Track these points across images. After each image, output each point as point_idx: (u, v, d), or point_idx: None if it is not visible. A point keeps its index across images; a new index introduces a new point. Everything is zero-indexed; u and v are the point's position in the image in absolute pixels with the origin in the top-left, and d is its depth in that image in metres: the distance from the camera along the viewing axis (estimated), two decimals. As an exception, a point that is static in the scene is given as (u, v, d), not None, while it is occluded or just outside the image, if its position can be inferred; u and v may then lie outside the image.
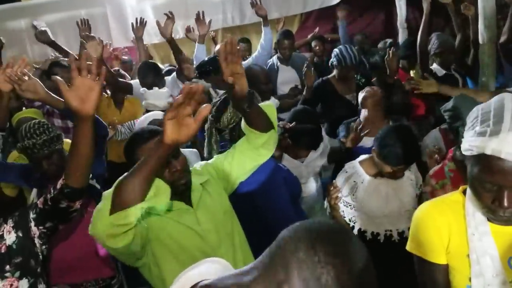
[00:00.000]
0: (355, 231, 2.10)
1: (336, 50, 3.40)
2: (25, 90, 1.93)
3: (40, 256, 1.63)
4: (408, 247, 1.29)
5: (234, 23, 5.22)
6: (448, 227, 1.21)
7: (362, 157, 2.18)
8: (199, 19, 3.78)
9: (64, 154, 2.12)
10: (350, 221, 2.11)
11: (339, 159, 2.51)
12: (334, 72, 3.45)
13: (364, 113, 2.73)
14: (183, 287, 0.78)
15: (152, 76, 3.37)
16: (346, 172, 2.15)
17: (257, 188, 1.84)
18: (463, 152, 1.11)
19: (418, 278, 1.28)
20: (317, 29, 5.37)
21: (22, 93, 1.95)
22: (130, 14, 4.80)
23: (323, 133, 2.77)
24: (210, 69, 3.26)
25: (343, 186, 2.10)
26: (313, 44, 5.24)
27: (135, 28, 3.88)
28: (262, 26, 3.98)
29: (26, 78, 1.93)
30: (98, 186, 2.24)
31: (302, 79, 3.57)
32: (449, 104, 2.62)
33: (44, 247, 1.63)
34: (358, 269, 0.67)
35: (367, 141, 2.62)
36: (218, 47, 4.35)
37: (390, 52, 3.20)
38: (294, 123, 2.26)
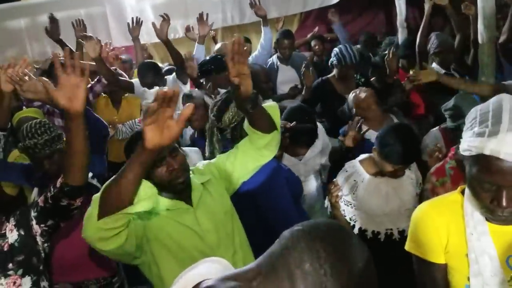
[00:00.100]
0: (356, 230, 2.10)
1: (336, 50, 3.40)
2: (26, 91, 1.94)
3: (42, 254, 1.64)
4: (407, 247, 1.30)
5: (234, 22, 5.23)
6: (447, 227, 1.21)
7: (362, 156, 2.18)
8: (201, 19, 3.78)
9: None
10: (350, 220, 2.11)
11: (339, 158, 2.51)
12: (334, 71, 3.46)
13: (363, 114, 2.74)
14: (185, 287, 0.78)
15: (152, 75, 3.38)
16: (346, 171, 2.16)
17: (259, 188, 1.84)
18: (462, 153, 1.12)
19: (417, 277, 1.29)
20: (316, 29, 5.37)
21: (23, 94, 1.95)
22: (129, 13, 4.80)
23: (324, 132, 2.79)
24: (211, 68, 3.27)
25: (343, 185, 2.10)
26: (312, 43, 5.24)
27: (131, 28, 3.88)
28: (262, 26, 3.98)
29: (27, 78, 1.94)
30: (99, 185, 2.25)
31: (302, 79, 3.58)
32: (449, 103, 2.63)
33: (46, 244, 1.65)
34: (362, 278, 0.68)
35: (373, 135, 2.64)
36: (218, 46, 4.36)
37: (390, 52, 3.21)
38: (294, 122, 2.27)
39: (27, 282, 1.59)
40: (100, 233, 1.26)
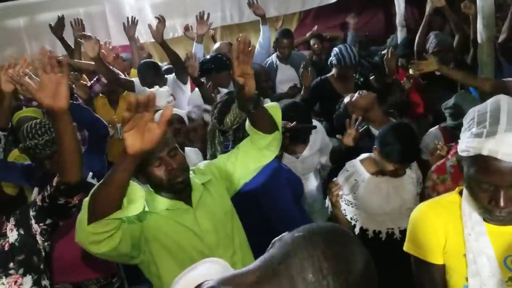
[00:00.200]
0: (357, 230, 2.10)
1: (335, 49, 3.40)
2: (27, 90, 1.93)
3: (43, 253, 1.65)
4: (405, 247, 1.30)
5: (233, 21, 5.23)
6: (445, 227, 1.22)
7: (363, 155, 2.19)
8: (200, 19, 3.77)
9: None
10: (351, 219, 2.12)
11: (339, 158, 2.52)
12: (333, 71, 3.46)
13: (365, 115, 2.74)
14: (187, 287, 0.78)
15: (151, 75, 3.38)
16: (347, 170, 2.16)
17: (260, 188, 1.85)
18: (460, 153, 1.13)
19: (415, 278, 1.30)
20: (315, 28, 5.37)
21: (24, 93, 1.95)
22: (128, 12, 4.80)
23: (323, 131, 2.79)
24: (211, 67, 3.28)
25: (344, 184, 2.11)
26: (311, 42, 5.24)
27: (127, 28, 3.87)
28: (261, 25, 3.98)
29: (27, 78, 1.94)
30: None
31: (301, 79, 3.59)
32: (450, 102, 2.64)
33: (46, 243, 1.65)
34: (362, 281, 0.69)
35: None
36: (217, 45, 4.36)
37: (389, 52, 3.22)
38: (294, 122, 2.27)
39: (28, 281, 1.60)
40: (91, 237, 1.26)
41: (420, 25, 3.63)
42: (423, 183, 2.19)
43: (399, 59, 3.87)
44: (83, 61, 4.04)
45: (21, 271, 1.60)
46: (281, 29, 4.43)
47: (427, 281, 1.27)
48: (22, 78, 1.90)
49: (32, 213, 1.61)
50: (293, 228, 0.75)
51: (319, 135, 2.67)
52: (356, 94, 2.72)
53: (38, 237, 1.62)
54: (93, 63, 3.46)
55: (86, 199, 1.26)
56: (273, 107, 1.60)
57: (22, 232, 1.61)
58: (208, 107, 2.62)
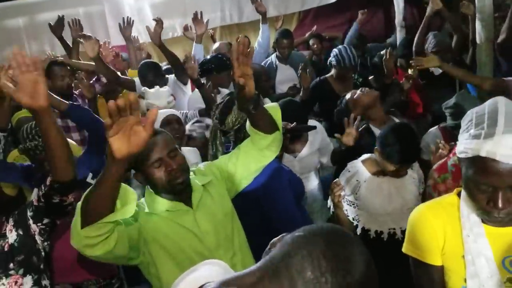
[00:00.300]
0: (359, 230, 2.11)
1: (335, 50, 3.41)
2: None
3: (43, 253, 1.65)
4: (404, 249, 1.31)
5: (232, 21, 5.23)
6: (443, 229, 1.23)
7: (364, 156, 2.19)
8: (196, 18, 3.78)
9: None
10: (353, 219, 2.12)
11: (339, 159, 2.52)
12: (332, 71, 3.47)
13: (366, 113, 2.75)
14: None
15: (151, 75, 3.38)
16: (349, 171, 2.16)
17: (261, 189, 1.85)
18: (458, 155, 1.14)
19: (414, 279, 1.31)
20: (315, 27, 5.38)
21: None
22: (128, 12, 4.80)
23: (324, 131, 2.79)
24: (212, 67, 3.28)
25: (345, 185, 2.11)
26: (311, 42, 5.25)
27: (123, 28, 3.86)
28: (261, 24, 3.98)
29: None
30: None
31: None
32: (450, 101, 2.65)
33: (46, 243, 1.65)
34: (363, 282, 0.69)
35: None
36: (216, 45, 4.36)
37: (387, 52, 3.23)
38: (295, 123, 2.27)
39: (28, 281, 1.60)
40: (85, 241, 1.26)
41: (419, 25, 3.64)
42: (424, 183, 2.19)
43: (398, 60, 3.87)
44: (82, 62, 4.04)
45: (21, 271, 1.60)
46: (281, 29, 4.43)
47: (426, 282, 1.27)
48: (3, 80, 1.90)
49: (29, 213, 1.61)
50: (294, 229, 0.76)
51: (318, 135, 2.67)
52: (358, 91, 2.71)
53: (37, 237, 1.63)
54: (92, 63, 3.46)
55: (79, 203, 1.26)
56: (273, 108, 1.60)
57: (21, 232, 1.62)
58: (210, 121, 2.60)
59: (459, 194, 1.24)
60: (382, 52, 3.50)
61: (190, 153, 2.48)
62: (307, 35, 5.37)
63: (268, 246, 0.78)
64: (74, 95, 3.50)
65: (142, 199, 1.59)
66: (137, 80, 3.57)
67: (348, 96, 2.75)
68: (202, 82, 3.21)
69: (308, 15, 5.94)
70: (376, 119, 2.70)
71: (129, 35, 3.89)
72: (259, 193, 1.85)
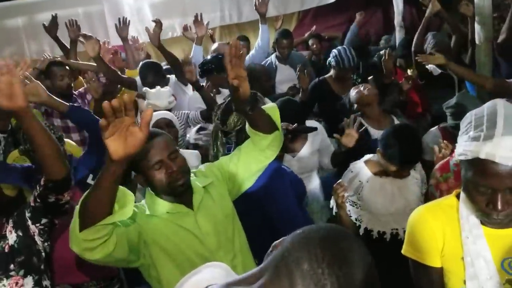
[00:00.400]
0: (361, 230, 2.11)
1: (334, 51, 3.41)
2: (28, 94, 1.93)
3: (43, 253, 1.65)
4: (404, 250, 1.31)
5: (232, 21, 5.25)
6: (442, 230, 1.23)
7: (367, 156, 2.19)
8: (197, 20, 3.77)
9: (66, 155, 2.13)
10: (356, 220, 2.12)
11: (339, 161, 2.52)
12: (331, 72, 3.47)
13: (366, 110, 2.76)
14: None
15: (152, 75, 3.38)
16: (351, 171, 2.17)
17: (262, 189, 1.84)
18: (457, 157, 1.14)
19: (414, 281, 1.31)
20: (314, 27, 5.38)
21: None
22: (127, 12, 4.81)
23: (324, 132, 2.79)
24: (212, 68, 3.28)
25: (348, 185, 2.11)
26: (310, 42, 5.26)
27: (119, 29, 3.85)
28: (260, 24, 3.98)
29: (27, 81, 1.94)
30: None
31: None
32: (451, 101, 2.66)
33: (46, 244, 1.65)
34: (361, 278, 0.69)
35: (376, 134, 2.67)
36: (215, 45, 4.36)
37: (386, 53, 3.23)
38: (296, 124, 2.27)
39: (29, 282, 1.60)
40: (84, 244, 1.26)
41: (418, 25, 3.64)
42: (427, 183, 2.19)
43: (398, 60, 3.88)
44: (81, 62, 4.04)
45: (21, 272, 1.60)
46: (281, 29, 4.43)
47: (426, 284, 1.28)
48: (23, 80, 1.90)
49: (27, 214, 1.61)
50: (296, 230, 0.76)
51: (318, 136, 2.67)
52: (360, 87, 2.73)
53: (37, 238, 1.62)
54: (91, 63, 3.47)
55: (77, 207, 1.26)
56: (270, 108, 1.61)
57: (20, 233, 1.61)
58: None
59: (458, 196, 1.25)
60: (381, 52, 3.51)
61: (191, 156, 2.47)
62: (306, 35, 5.38)
63: (270, 249, 0.78)
64: (74, 95, 3.50)
65: (143, 201, 1.59)
66: (138, 79, 3.57)
67: (354, 91, 2.76)
68: (202, 84, 3.21)
69: (307, 15, 5.94)
70: (371, 118, 2.70)
71: (126, 36, 3.88)
72: (260, 194, 1.85)
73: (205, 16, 3.88)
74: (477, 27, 3.20)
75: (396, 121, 2.78)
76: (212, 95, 3.20)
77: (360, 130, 2.40)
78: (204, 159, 2.52)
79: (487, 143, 1.05)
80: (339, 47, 3.46)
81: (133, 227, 1.43)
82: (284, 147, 2.29)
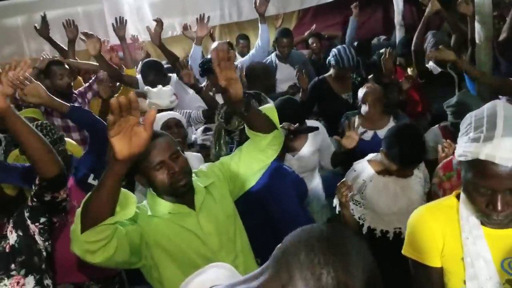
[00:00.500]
0: (365, 229, 2.12)
1: (334, 50, 3.41)
2: (28, 95, 1.94)
3: (44, 253, 1.65)
4: (404, 251, 1.32)
5: (232, 19, 5.24)
6: (442, 231, 1.24)
7: (371, 155, 2.20)
8: (201, 21, 3.76)
9: (67, 155, 2.14)
10: (359, 219, 2.13)
11: (340, 161, 2.52)
12: (331, 71, 3.47)
13: (364, 108, 2.78)
14: None
15: (153, 74, 3.38)
16: (355, 170, 2.17)
17: (263, 189, 1.84)
18: (457, 158, 1.15)
19: (413, 281, 1.32)
20: (314, 26, 5.38)
21: (26, 98, 1.95)
22: (127, 11, 4.80)
23: (325, 132, 2.79)
24: (212, 67, 3.26)
25: (351, 184, 2.12)
26: (310, 41, 5.26)
27: (116, 28, 3.84)
28: (259, 24, 3.98)
29: (27, 81, 1.94)
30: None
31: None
32: (452, 100, 2.66)
33: (47, 243, 1.65)
34: (358, 268, 0.69)
35: (368, 134, 2.72)
36: (215, 44, 4.35)
37: (387, 52, 3.24)
38: (297, 124, 2.27)
39: (30, 281, 1.60)
40: (85, 246, 1.26)
41: (418, 24, 3.64)
42: (429, 182, 2.20)
43: (398, 58, 3.88)
44: (81, 61, 4.04)
45: (22, 272, 1.60)
46: (281, 28, 4.43)
47: (426, 284, 1.28)
48: (23, 81, 1.90)
49: (26, 214, 1.61)
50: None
51: (319, 136, 2.67)
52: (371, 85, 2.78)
53: (37, 237, 1.63)
54: (90, 62, 3.46)
55: (79, 209, 1.26)
56: (267, 109, 1.61)
57: (20, 233, 1.62)
58: None
59: (458, 197, 1.25)
60: (381, 51, 3.51)
61: (193, 159, 2.46)
62: (306, 34, 5.38)
63: (274, 252, 0.79)
64: (74, 94, 3.50)
65: (144, 202, 1.59)
66: (139, 78, 3.57)
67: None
68: (201, 86, 3.20)
69: (307, 14, 5.94)
70: (367, 117, 2.72)
71: (123, 35, 3.87)
72: (262, 194, 1.85)
73: (205, 15, 3.87)
74: (477, 26, 3.20)
75: (392, 123, 2.78)
76: (212, 94, 3.20)
77: (360, 133, 2.42)
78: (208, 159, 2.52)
79: (487, 145, 1.06)
80: (339, 46, 3.46)
81: (134, 229, 1.43)
82: (285, 147, 2.29)
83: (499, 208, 1.08)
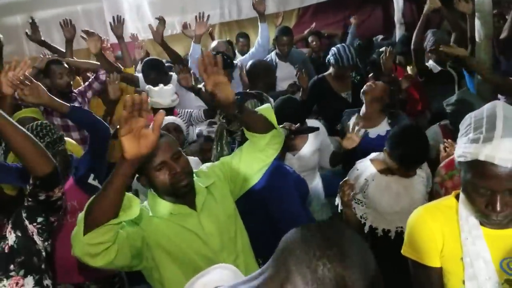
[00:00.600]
0: (366, 228, 2.12)
1: (334, 49, 3.41)
2: (28, 95, 1.93)
3: (43, 253, 1.65)
4: (403, 251, 1.32)
5: (231, 18, 5.25)
6: (442, 231, 1.24)
7: (373, 155, 2.20)
8: (199, 19, 3.76)
9: (67, 154, 2.14)
10: (361, 218, 2.13)
11: (339, 161, 2.52)
12: (330, 70, 3.47)
13: (363, 107, 2.78)
14: None
15: (154, 73, 3.38)
16: (357, 169, 2.17)
17: (267, 190, 1.84)
18: (457, 159, 1.15)
19: (413, 281, 1.32)
20: (313, 25, 5.37)
21: (26, 98, 1.95)
22: (126, 9, 4.81)
23: (325, 132, 2.79)
24: None
25: (354, 183, 2.12)
26: (310, 39, 5.25)
27: (114, 27, 3.83)
28: (259, 22, 3.97)
29: (27, 82, 1.94)
30: (99, 186, 2.26)
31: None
32: (452, 99, 2.66)
33: (46, 243, 1.65)
34: (355, 261, 0.69)
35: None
36: (214, 43, 4.36)
37: (387, 51, 3.23)
38: (298, 124, 2.27)
39: (29, 282, 1.60)
40: (87, 248, 1.26)
41: (418, 22, 3.64)
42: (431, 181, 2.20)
43: (397, 57, 3.87)
44: (80, 60, 4.03)
45: (21, 272, 1.60)
46: (281, 26, 4.41)
47: (425, 284, 1.28)
48: (23, 82, 1.90)
49: (24, 214, 1.60)
50: None
51: (320, 135, 2.68)
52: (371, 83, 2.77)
53: (36, 238, 1.62)
54: (90, 61, 3.46)
55: (82, 213, 1.26)
56: (263, 109, 1.61)
57: (19, 234, 1.61)
58: None
59: (457, 197, 1.26)
60: (381, 49, 3.50)
61: (192, 162, 2.46)
62: (306, 32, 5.37)
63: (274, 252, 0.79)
64: (74, 93, 3.49)
65: (145, 203, 1.59)
66: (141, 76, 3.57)
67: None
68: (199, 87, 3.19)
69: (307, 12, 5.94)
70: (365, 116, 2.71)
71: (121, 34, 3.87)
72: (263, 193, 1.85)
73: (204, 14, 3.86)
74: (477, 24, 3.19)
75: (385, 123, 2.78)
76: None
77: (361, 134, 2.42)
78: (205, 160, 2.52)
79: (486, 145, 1.06)
80: (338, 45, 3.46)
81: (136, 232, 1.43)
82: (286, 146, 2.29)
83: (498, 208, 1.08)
